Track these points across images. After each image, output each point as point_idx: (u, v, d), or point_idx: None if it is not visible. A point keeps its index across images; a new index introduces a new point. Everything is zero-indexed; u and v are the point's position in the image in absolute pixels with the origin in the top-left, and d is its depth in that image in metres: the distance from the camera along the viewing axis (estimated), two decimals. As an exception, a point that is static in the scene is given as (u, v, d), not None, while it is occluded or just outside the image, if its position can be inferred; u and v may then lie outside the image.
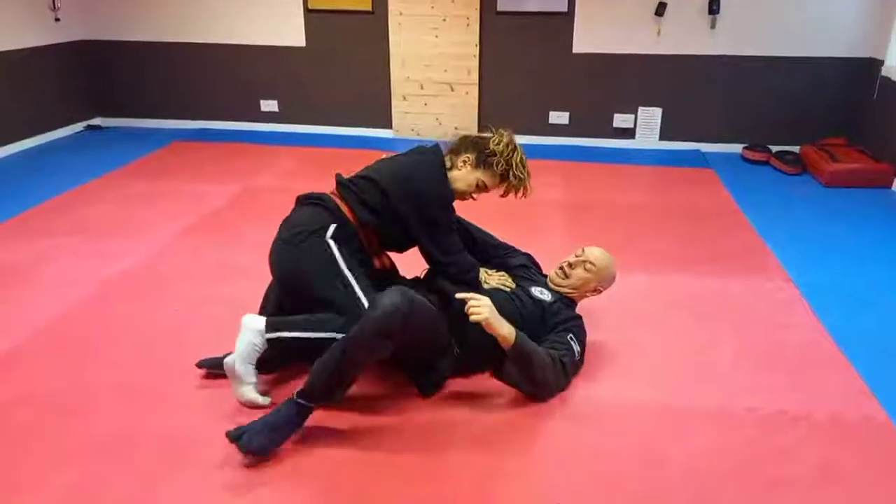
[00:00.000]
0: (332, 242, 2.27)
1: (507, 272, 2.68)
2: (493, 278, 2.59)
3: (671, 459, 2.09)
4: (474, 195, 2.49)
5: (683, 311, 3.01)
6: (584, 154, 5.54)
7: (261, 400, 2.27)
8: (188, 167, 5.10)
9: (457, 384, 2.42)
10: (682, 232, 3.92)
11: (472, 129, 5.71)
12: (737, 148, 5.57)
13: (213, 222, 4.01)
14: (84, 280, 3.22)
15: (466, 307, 2.15)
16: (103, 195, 4.45)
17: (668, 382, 2.48)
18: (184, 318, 2.88)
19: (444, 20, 5.60)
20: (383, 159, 2.50)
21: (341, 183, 2.43)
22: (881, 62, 4.98)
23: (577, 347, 2.41)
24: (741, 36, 5.32)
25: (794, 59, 5.32)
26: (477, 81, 5.76)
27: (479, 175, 2.43)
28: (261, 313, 2.48)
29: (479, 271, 2.54)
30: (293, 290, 2.36)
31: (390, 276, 2.55)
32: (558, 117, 5.80)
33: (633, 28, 5.43)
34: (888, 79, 4.88)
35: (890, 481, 2.01)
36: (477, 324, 2.17)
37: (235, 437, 2.02)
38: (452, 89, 5.82)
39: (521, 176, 2.44)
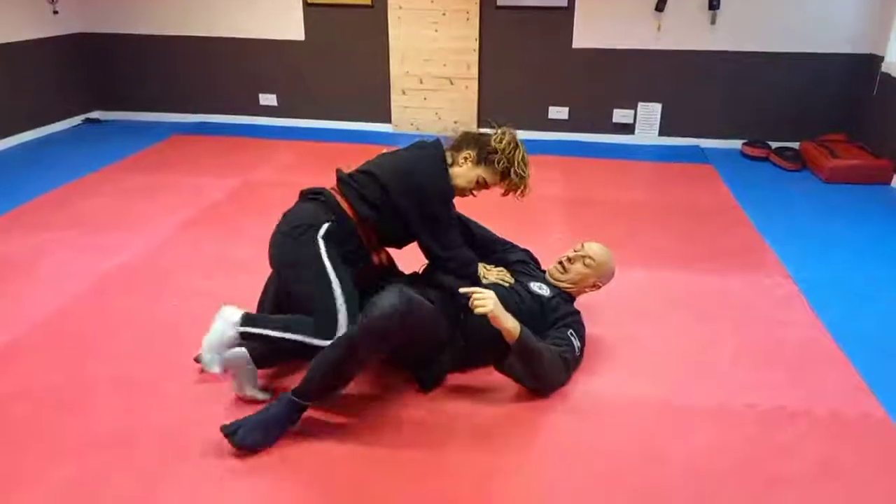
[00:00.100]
0: (321, 241, 2.25)
1: (505, 268, 2.67)
2: (491, 273, 2.59)
3: (671, 456, 2.09)
4: (474, 192, 2.49)
5: (682, 307, 3.01)
6: (583, 149, 5.54)
7: (260, 395, 2.27)
8: (187, 161, 5.09)
9: (457, 379, 2.42)
10: (682, 228, 3.92)
11: (471, 124, 5.70)
12: (736, 144, 5.57)
13: (212, 216, 4.00)
14: (82, 274, 3.21)
15: (471, 301, 2.15)
16: (101, 188, 4.44)
17: (668, 378, 2.48)
18: (182, 311, 2.87)
19: (444, 14, 5.58)
20: (384, 154, 2.49)
21: (341, 178, 2.42)
22: (881, 58, 4.98)
23: (577, 343, 2.41)
24: (741, 32, 5.31)
25: (795, 55, 5.31)
26: (476, 76, 5.75)
27: (480, 172, 2.43)
28: (259, 307, 2.48)
29: (478, 266, 2.53)
30: (284, 282, 2.37)
31: (388, 271, 2.55)
32: (558, 112, 5.79)
33: (634, 23, 5.42)
34: (888, 75, 4.87)
35: (889, 477, 2.02)
36: (478, 319, 2.17)
37: (230, 431, 2.02)
38: (452, 84, 5.81)
39: (523, 174, 2.43)
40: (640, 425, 2.23)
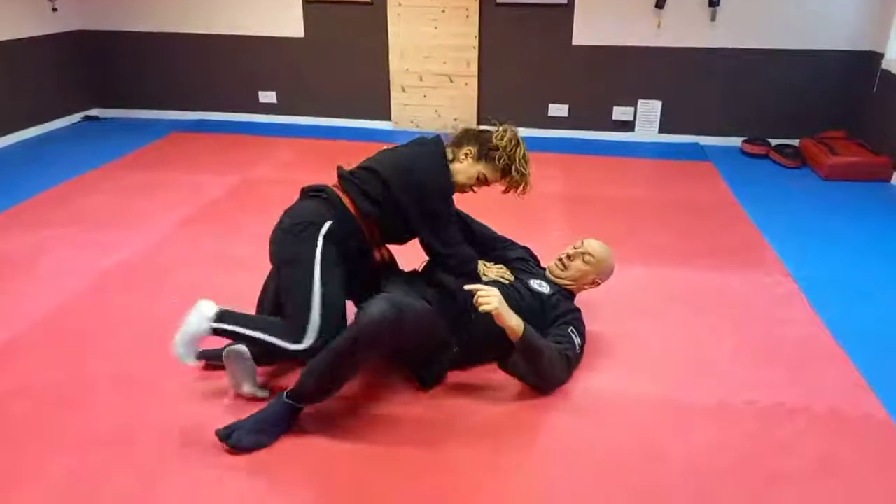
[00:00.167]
0: (321, 241, 2.23)
1: (505, 265, 2.67)
2: (491, 271, 2.59)
3: (671, 453, 2.09)
4: (475, 188, 2.48)
5: (682, 304, 3.01)
6: (583, 147, 5.53)
7: (259, 392, 2.28)
8: (186, 158, 5.09)
9: (457, 377, 2.42)
10: (681, 225, 3.92)
11: (471, 122, 5.70)
12: (736, 141, 5.57)
13: (212, 213, 4.00)
14: (82, 271, 3.21)
15: (475, 298, 2.14)
16: (101, 186, 4.43)
17: (668, 375, 2.49)
18: (182, 309, 2.86)
19: (444, 11, 5.58)
20: (384, 150, 2.49)
21: (342, 175, 2.42)
22: (881, 55, 4.97)
23: (577, 340, 2.41)
24: (741, 29, 5.31)
25: (795, 52, 5.31)
26: (476, 73, 5.74)
27: (481, 168, 2.43)
28: (258, 305, 2.48)
29: (478, 263, 2.53)
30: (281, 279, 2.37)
31: (389, 268, 2.55)
32: (558, 110, 5.79)
33: (634, 20, 5.41)
34: (888, 72, 4.87)
35: (888, 474, 2.02)
36: (482, 317, 2.17)
37: (225, 436, 2.03)
38: (452, 81, 5.80)
39: (524, 171, 2.43)
40: (640, 422, 2.23)
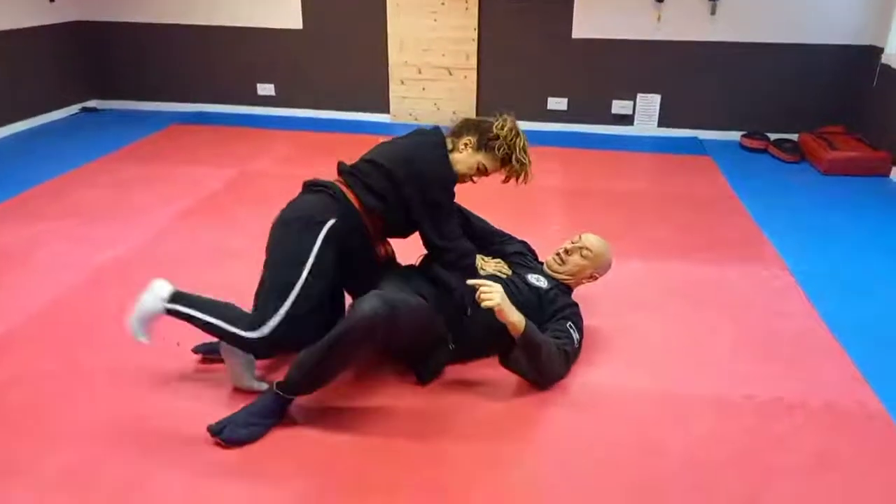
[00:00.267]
0: (319, 241, 2.20)
1: (503, 259, 2.67)
2: (489, 265, 2.59)
3: (669, 447, 2.09)
4: (474, 178, 2.47)
5: (680, 298, 3.01)
6: (582, 140, 5.52)
7: (257, 385, 2.27)
8: (184, 151, 5.07)
9: (455, 372, 2.42)
10: (680, 219, 3.92)
11: (470, 114, 5.68)
12: (735, 135, 5.56)
13: (210, 207, 3.99)
14: (78, 264, 3.20)
15: (477, 294, 2.13)
16: (98, 179, 4.42)
17: (666, 369, 2.49)
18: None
19: (443, 4, 5.55)
20: (383, 143, 2.47)
21: (344, 170, 2.40)
22: (881, 49, 4.96)
23: (576, 335, 2.41)
24: (741, 22, 5.29)
25: (794, 47, 5.29)
26: (475, 66, 5.72)
27: (481, 158, 2.41)
28: (255, 297, 2.46)
29: (476, 258, 2.52)
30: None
31: (387, 264, 2.53)
32: (557, 103, 5.77)
33: (633, 14, 5.39)
34: (888, 66, 4.86)
35: (885, 468, 2.02)
36: (479, 312, 2.16)
37: (217, 430, 2.03)
38: (451, 74, 5.78)
39: (524, 161, 2.42)
40: (638, 417, 2.23)
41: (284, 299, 2.15)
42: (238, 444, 2.03)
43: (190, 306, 2.21)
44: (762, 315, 2.87)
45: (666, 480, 1.96)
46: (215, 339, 2.37)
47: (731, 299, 3.00)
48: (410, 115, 5.95)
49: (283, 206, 2.36)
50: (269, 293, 2.19)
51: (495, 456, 2.05)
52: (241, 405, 2.12)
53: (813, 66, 5.33)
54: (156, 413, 2.20)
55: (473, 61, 5.71)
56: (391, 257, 2.50)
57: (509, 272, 2.58)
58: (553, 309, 2.47)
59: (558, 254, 2.63)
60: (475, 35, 5.62)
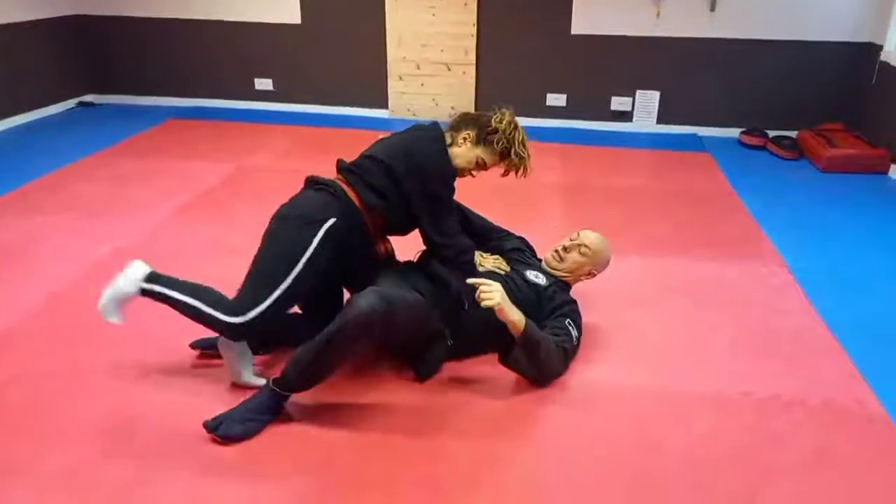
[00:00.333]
0: (316, 241, 2.18)
1: (501, 255, 2.67)
2: (487, 261, 2.58)
3: (668, 444, 2.09)
4: (473, 172, 2.46)
5: (678, 295, 3.01)
6: (581, 137, 5.52)
7: (256, 381, 2.26)
8: (182, 145, 5.06)
9: (453, 368, 2.41)
10: (678, 216, 3.92)
11: (469, 110, 5.66)
12: (734, 132, 5.56)
13: (207, 201, 3.98)
14: (76, 259, 3.19)
15: (477, 293, 2.13)
16: (96, 173, 4.40)
17: (665, 366, 2.49)
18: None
19: (442, -1, 5.54)
20: (382, 139, 2.47)
21: (344, 168, 2.39)
22: (880, 47, 4.96)
23: (574, 332, 2.40)
24: (741, 19, 5.28)
25: (793, 43, 5.29)
26: (474, 62, 5.71)
27: (479, 152, 2.41)
28: (242, 285, 2.43)
29: (474, 254, 2.52)
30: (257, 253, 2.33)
31: (388, 262, 2.52)
32: (556, 99, 5.76)
33: (633, 10, 5.38)
34: (887, 64, 4.86)
35: (882, 466, 2.03)
36: (476, 308, 2.16)
37: (213, 427, 2.03)
38: (449, 69, 5.77)
39: (522, 155, 2.41)
40: (636, 414, 2.23)
41: (271, 291, 2.14)
42: (234, 441, 2.03)
43: (167, 287, 2.20)
44: (761, 312, 2.87)
45: (665, 477, 1.97)
46: (213, 336, 2.37)
47: (729, 296, 3.00)
48: (409, 110, 5.94)
49: (282, 200, 2.35)
50: (256, 282, 2.19)
51: (494, 453, 2.05)
52: (239, 401, 2.11)
53: (812, 64, 5.32)
54: (154, 410, 2.19)
55: (472, 57, 5.70)
56: (391, 255, 2.49)
57: (508, 269, 2.57)
58: (552, 306, 2.46)
59: (557, 251, 2.63)
60: (474, 31, 5.61)
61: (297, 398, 2.15)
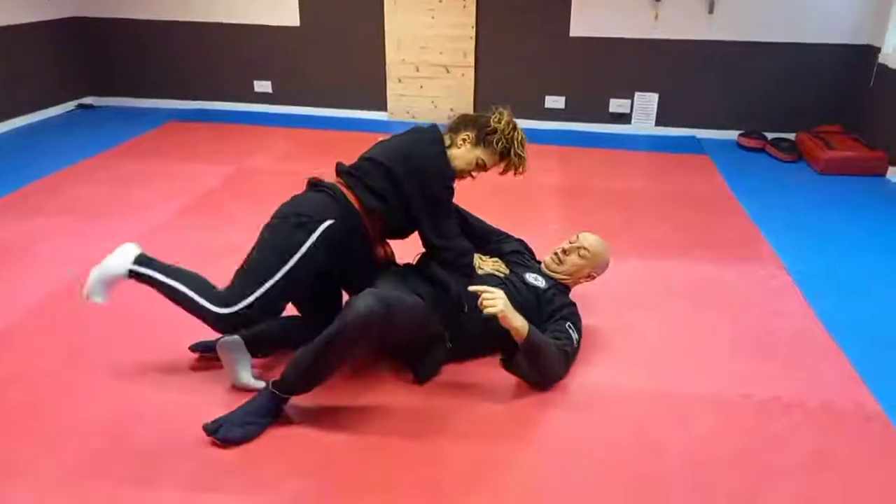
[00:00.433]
0: (310, 242, 2.18)
1: (500, 258, 2.67)
2: (486, 264, 2.59)
3: (667, 446, 2.10)
4: (473, 173, 2.47)
5: (678, 297, 3.01)
6: (579, 139, 5.52)
7: (254, 383, 2.27)
8: (181, 147, 5.06)
9: (453, 370, 2.42)
10: (677, 218, 3.92)
11: (468, 112, 5.67)
12: (732, 134, 5.56)
13: (207, 203, 3.98)
14: (76, 260, 3.18)
15: (480, 300, 2.13)
16: (96, 175, 4.41)
17: (664, 369, 2.49)
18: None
19: (441, 1, 5.55)
20: (381, 141, 2.47)
21: (343, 171, 2.39)
22: (878, 49, 4.97)
23: (575, 335, 2.41)
24: (739, 21, 5.30)
25: (791, 46, 5.30)
26: (473, 64, 5.72)
27: (479, 153, 2.41)
28: (233, 278, 2.43)
29: (473, 257, 2.52)
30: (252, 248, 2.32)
31: (388, 264, 2.52)
32: (554, 101, 5.77)
33: (631, 12, 5.39)
34: (885, 66, 4.86)
35: (881, 468, 2.03)
36: (475, 311, 2.16)
37: (213, 430, 2.03)
38: (448, 72, 5.78)
39: (522, 154, 2.42)
40: (636, 416, 2.24)
41: (260, 285, 2.14)
42: (234, 444, 2.03)
43: (156, 270, 2.20)
44: (760, 314, 2.88)
45: (665, 480, 1.97)
46: (212, 338, 2.37)
47: (728, 298, 3.01)
48: (408, 112, 5.95)
49: (281, 202, 2.35)
50: (246, 275, 2.19)
51: (493, 455, 2.05)
52: (238, 404, 2.11)
53: (810, 66, 5.34)
54: (153, 411, 2.20)
55: (471, 59, 5.70)
56: (390, 258, 2.50)
57: (507, 271, 2.57)
58: (551, 309, 2.47)
59: (556, 253, 2.63)
60: (473, 33, 5.62)
61: (296, 400, 2.16)
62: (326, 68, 5.94)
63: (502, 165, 2.47)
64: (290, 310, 2.38)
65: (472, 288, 2.18)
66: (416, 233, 2.44)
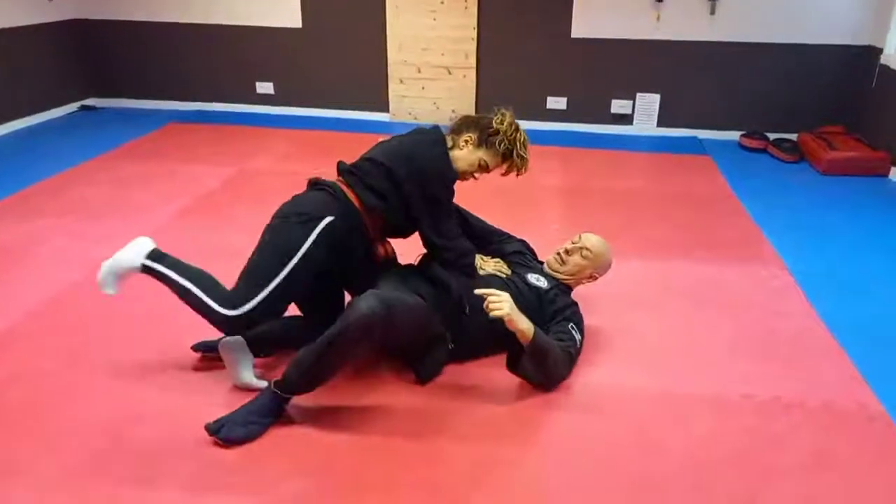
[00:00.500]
0: (314, 236, 2.19)
1: (502, 259, 2.67)
2: (488, 265, 2.58)
3: (668, 447, 2.09)
4: (476, 174, 2.47)
5: (679, 297, 3.01)
6: (581, 140, 5.52)
7: (256, 383, 2.27)
8: (183, 149, 5.07)
9: (454, 371, 2.41)
10: (679, 219, 3.92)
11: (470, 113, 5.67)
12: (734, 135, 5.56)
13: (208, 205, 3.98)
14: (77, 261, 3.19)
15: (486, 303, 2.12)
16: (97, 176, 4.41)
17: (665, 369, 2.49)
18: (178, 300, 2.86)
19: (442, 2, 5.55)
20: (383, 142, 2.47)
21: (344, 170, 2.39)
22: (880, 50, 4.96)
23: (577, 336, 2.40)
24: (741, 22, 5.29)
25: (794, 46, 5.29)
26: (475, 65, 5.72)
27: (481, 154, 2.41)
28: (238, 280, 2.43)
29: (475, 257, 2.52)
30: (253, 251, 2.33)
31: (389, 264, 2.52)
32: (556, 102, 5.77)
33: (633, 13, 5.39)
34: (887, 67, 4.86)
35: (883, 467, 2.02)
36: (477, 312, 2.16)
37: (215, 430, 2.03)
38: (450, 73, 5.78)
39: (524, 155, 2.42)
40: (637, 416, 2.23)
41: (265, 286, 2.15)
42: (236, 444, 2.03)
43: (169, 267, 2.21)
44: (761, 314, 2.87)
45: (665, 480, 1.96)
46: (214, 338, 2.37)
47: (730, 299, 3.00)
48: (410, 114, 5.95)
49: (282, 204, 2.36)
50: (250, 277, 2.19)
51: (494, 456, 2.04)
52: (240, 404, 2.11)
53: (812, 67, 5.33)
54: (155, 411, 2.20)
55: (473, 60, 5.71)
56: (391, 258, 2.50)
57: (508, 272, 2.57)
58: (553, 309, 2.46)
59: (559, 254, 2.63)
60: (474, 34, 5.62)
61: (297, 400, 2.16)
62: (328, 69, 5.94)
63: (504, 167, 2.47)
64: (293, 309, 2.38)
65: (478, 291, 2.17)
66: (417, 233, 2.44)
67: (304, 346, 2.06)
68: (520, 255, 2.72)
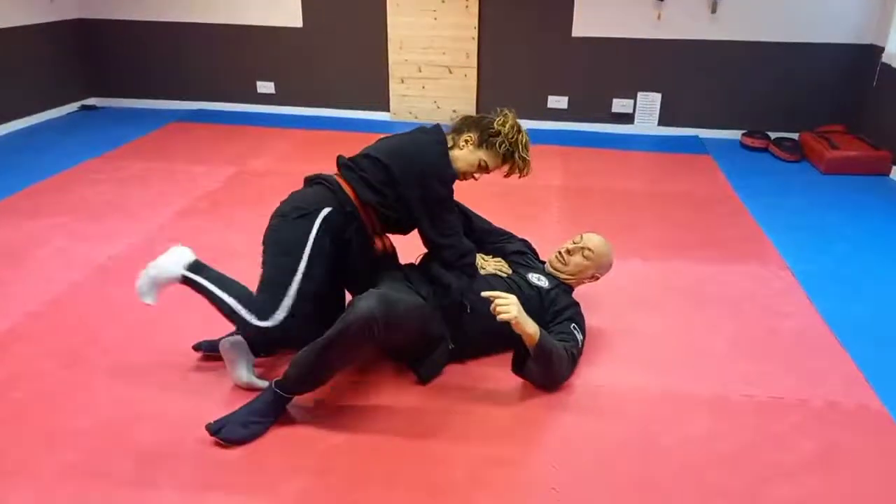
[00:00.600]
0: (315, 228, 2.21)
1: (503, 258, 2.66)
2: (489, 264, 2.58)
3: (669, 446, 2.09)
4: (475, 175, 2.46)
5: (680, 297, 3.00)
6: (582, 139, 5.52)
7: (257, 382, 2.27)
8: (184, 148, 5.07)
9: (455, 371, 2.41)
10: (680, 218, 3.91)
11: (470, 113, 5.66)
12: (735, 134, 5.55)
13: (209, 204, 3.98)
14: (78, 261, 3.19)
15: (493, 306, 2.11)
16: (98, 176, 4.41)
17: (666, 369, 2.48)
18: (178, 300, 2.85)
19: (443, 2, 5.55)
20: (384, 138, 2.47)
21: (343, 164, 2.40)
22: (881, 49, 4.95)
23: (579, 336, 2.40)
24: (742, 21, 5.29)
25: (795, 45, 5.29)
26: (475, 65, 5.72)
27: (482, 155, 2.40)
28: (258, 290, 2.44)
29: (475, 256, 2.52)
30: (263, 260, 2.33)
31: (387, 261, 2.52)
32: (557, 101, 5.77)
33: (634, 12, 5.39)
34: (888, 66, 4.85)
35: (885, 467, 2.02)
36: (477, 311, 2.15)
37: (215, 430, 2.03)
38: (451, 72, 5.78)
39: (525, 157, 2.41)
40: (638, 415, 2.23)
41: (287, 289, 2.16)
42: (237, 443, 2.03)
43: (208, 279, 2.22)
44: (762, 314, 2.87)
45: (665, 479, 1.96)
46: (215, 337, 2.37)
47: (731, 298, 3.00)
48: (410, 113, 5.95)
49: (280, 203, 2.35)
50: (271, 284, 2.19)
51: (494, 456, 2.04)
52: (240, 404, 2.11)
53: (813, 66, 5.32)
54: (155, 411, 2.19)
55: (473, 60, 5.70)
56: (390, 252, 2.49)
57: (509, 271, 2.57)
58: (554, 309, 2.46)
59: (560, 254, 2.62)
60: (475, 33, 5.61)
61: (298, 400, 2.16)
62: (329, 69, 5.94)
63: (506, 168, 2.47)
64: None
65: (485, 294, 2.16)
66: (417, 232, 2.43)
67: (304, 346, 2.06)
68: (521, 255, 2.72)
